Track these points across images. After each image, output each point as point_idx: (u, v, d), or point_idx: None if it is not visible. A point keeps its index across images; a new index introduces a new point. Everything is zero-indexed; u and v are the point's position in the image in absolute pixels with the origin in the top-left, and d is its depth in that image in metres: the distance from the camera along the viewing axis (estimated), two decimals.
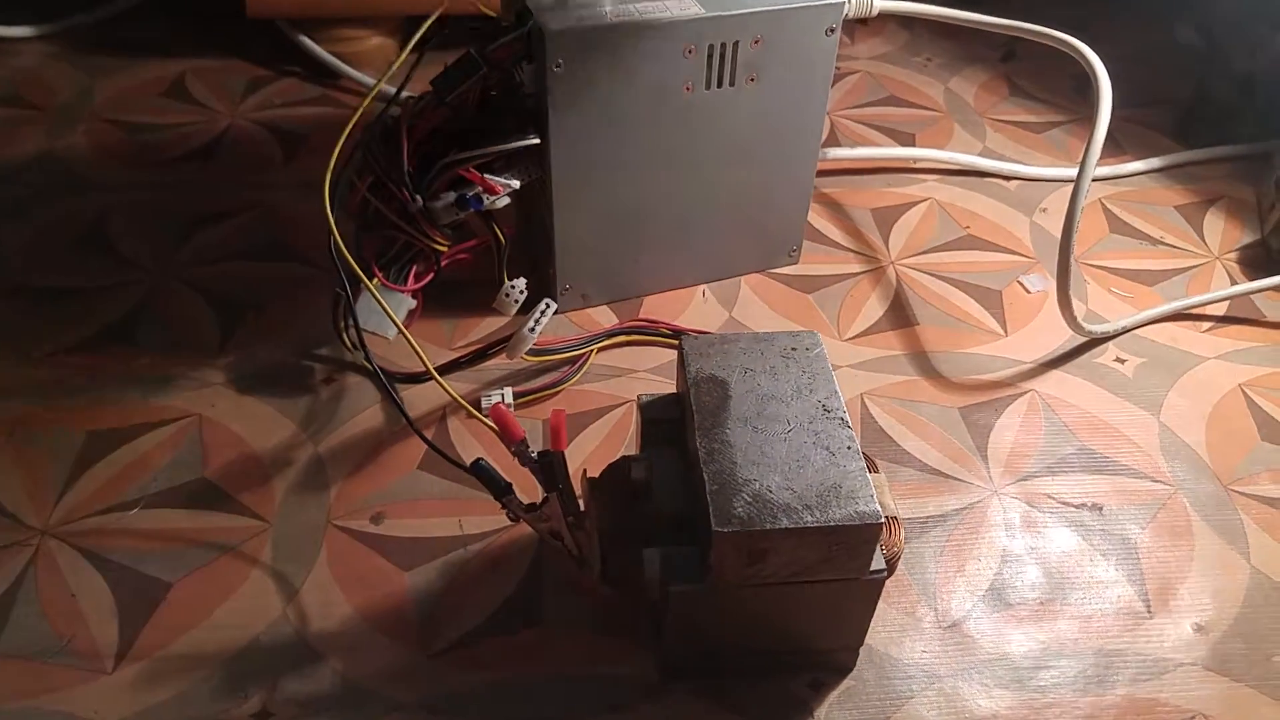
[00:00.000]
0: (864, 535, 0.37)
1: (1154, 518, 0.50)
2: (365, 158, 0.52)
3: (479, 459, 0.41)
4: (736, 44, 0.53)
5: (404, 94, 0.53)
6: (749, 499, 0.37)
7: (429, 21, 0.53)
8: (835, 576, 0.39)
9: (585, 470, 0.45)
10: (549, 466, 0.40)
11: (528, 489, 0.43)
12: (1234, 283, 0.65)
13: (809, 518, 0.36)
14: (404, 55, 0.54)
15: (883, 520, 0.37)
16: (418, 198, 0.52)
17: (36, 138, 0.74)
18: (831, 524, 0.36)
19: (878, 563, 0.39)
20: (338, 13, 0.80)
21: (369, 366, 0.56)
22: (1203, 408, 0.57)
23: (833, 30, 0.54)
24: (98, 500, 0.49)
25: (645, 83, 0.52)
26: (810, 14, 0.53)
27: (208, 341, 0.58)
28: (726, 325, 0.61)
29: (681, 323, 0.61)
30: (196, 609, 0.45)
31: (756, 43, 0.53)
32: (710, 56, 0.53)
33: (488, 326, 0.60)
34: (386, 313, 0.51)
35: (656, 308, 0.62)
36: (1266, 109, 0.76)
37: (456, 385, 0.56)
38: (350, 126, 0.53)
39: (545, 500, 0.41)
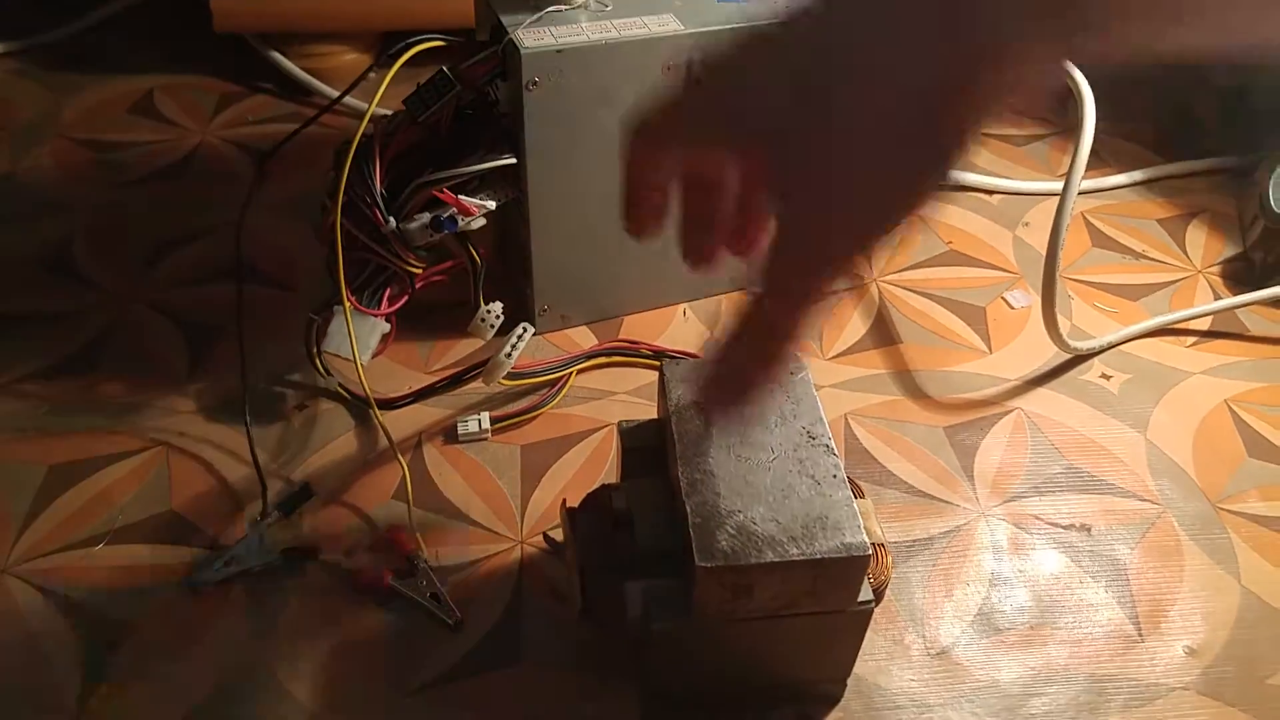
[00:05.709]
0: (851, 567, 0.36)
1: (1143, 538, 0.50)
2: (336, 179, 0.51)
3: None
4: None
5: (377, 111, 0.52)
6: (733, 532, 0.36)
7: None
8: (822, 609, 0.38)
9: (565, 500, 0.44)
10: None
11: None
12: (1217, 297, 0.65)
13: (794, 550, 0.35)
14: (391, 73, 0.53)
15: (870, 552, 0.36)
16: (390, 219, 0.51)
17: None
18: (818, 556, 0.35)
19: (865, 594, 0.38)
20: (308, 27, 0.78)
21: (342, 393, 0.55)
22: (1189, 424, 0.56)
23: None
24: (60, 536, 0.48)
25: (623, 100, 0.51)
26: None
27: (176, 368, 0.57)
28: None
29: (663, 343, 0.59)
30: (163, 651, 0.43)
31: None
32: (689, 73, 0.52)
33: (465, 348, 0.59)
34: (354, 338, 0.50)
35: (637, 327, 0.61)
36: (1247, 122, 0.76)
37: (433, 410, 0.54)
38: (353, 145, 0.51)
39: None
